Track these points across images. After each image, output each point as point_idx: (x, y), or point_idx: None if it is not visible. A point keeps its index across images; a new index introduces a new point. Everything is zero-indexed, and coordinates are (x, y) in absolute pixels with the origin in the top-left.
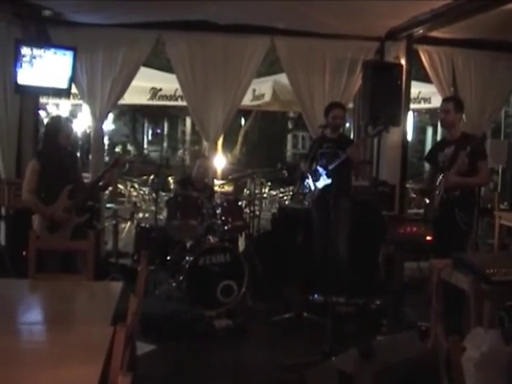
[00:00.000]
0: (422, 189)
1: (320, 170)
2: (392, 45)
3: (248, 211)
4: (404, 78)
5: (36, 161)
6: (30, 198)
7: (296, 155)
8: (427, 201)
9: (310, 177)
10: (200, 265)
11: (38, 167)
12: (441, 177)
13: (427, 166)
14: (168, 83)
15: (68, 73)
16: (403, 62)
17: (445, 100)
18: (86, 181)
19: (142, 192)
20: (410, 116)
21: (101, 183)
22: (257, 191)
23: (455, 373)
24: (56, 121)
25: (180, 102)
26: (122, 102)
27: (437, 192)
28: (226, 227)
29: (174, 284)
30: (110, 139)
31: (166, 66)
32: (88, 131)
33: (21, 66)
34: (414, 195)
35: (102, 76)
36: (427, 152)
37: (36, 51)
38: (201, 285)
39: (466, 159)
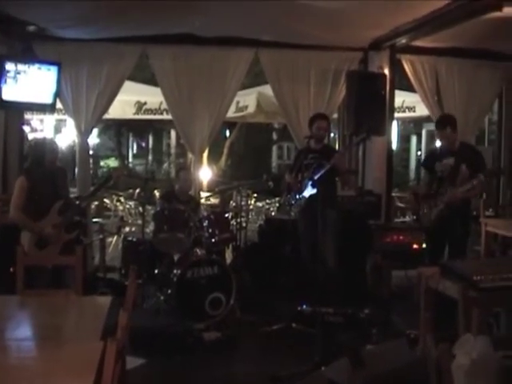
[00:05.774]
0: (420, 193)
1: (305, 180)
2: (375, 55)
3: (235, 223)
4: (388, 87)
5: (24, 178)
6: (17, 215)
7: (281, 166)
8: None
9: (295, 187)
10: (188, 278)
11: (26, 184)
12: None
13: (423, 172)
14: (153, 96)
15: (53, 88)
16: (387, 71)
17: (439, 128)
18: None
19: (128, 206)
20: (395, 125)
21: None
22: (243, 203)
23: (445, 380)
24: (40, 145)
25: (165, 116)
26: (106, 116)
27: (434, 203)
28: (213, 239)
29: (162, 297)
30: (94, 153)
31: (150, 80)
32: (73, 146)
33: (5, 81)
34: (401, 204)
35: (87, 90)
36: (424, 159)
37: (20, 67)
38: (189, 298)
39: (467, 172)
